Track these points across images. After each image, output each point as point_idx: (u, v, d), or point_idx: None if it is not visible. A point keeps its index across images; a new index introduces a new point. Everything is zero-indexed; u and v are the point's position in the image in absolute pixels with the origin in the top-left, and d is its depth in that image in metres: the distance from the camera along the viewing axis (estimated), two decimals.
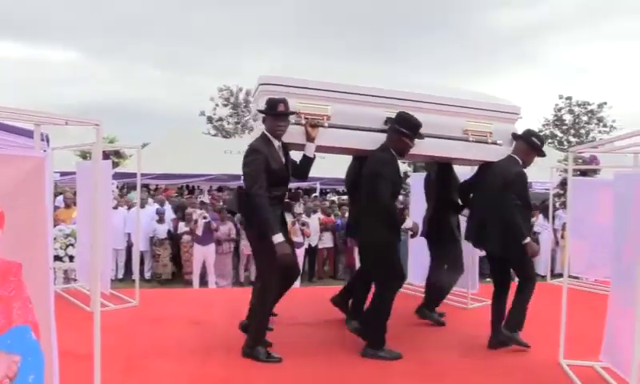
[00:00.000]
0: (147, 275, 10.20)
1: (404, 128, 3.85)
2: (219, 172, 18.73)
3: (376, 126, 4.01)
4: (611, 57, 52.39)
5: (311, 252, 10.62)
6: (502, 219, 3.93)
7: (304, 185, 20.96)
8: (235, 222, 10.16)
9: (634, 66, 51.63)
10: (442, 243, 4.88)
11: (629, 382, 2.92)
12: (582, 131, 35.24)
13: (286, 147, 3.84)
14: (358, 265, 9.93)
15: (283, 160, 3.73)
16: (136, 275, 5.87)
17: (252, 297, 4.13)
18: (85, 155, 11.05)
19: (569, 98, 35.42)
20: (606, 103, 34.75)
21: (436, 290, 4.88)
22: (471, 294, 5.46)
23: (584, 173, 9.76)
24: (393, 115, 3.94)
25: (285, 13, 52.81)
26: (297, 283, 9.60)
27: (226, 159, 19.91)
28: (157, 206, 10.76)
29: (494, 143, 4.31)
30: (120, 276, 9.90)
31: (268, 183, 3.56)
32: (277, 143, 3.71)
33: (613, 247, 3.49)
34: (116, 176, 10.67)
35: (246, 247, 10.15)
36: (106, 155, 7.97)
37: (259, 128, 3.92)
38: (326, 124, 3.86)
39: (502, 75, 51.80)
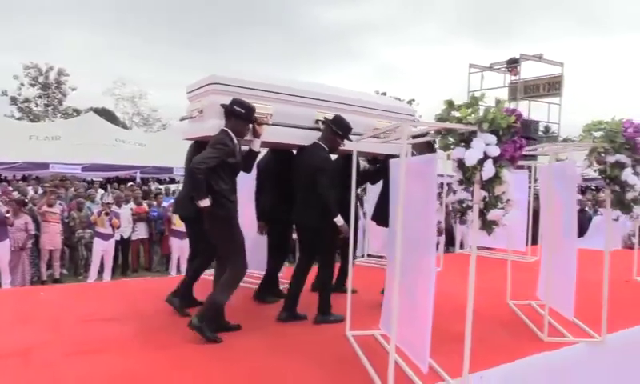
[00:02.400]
0: None
1: (339, 129, 4.39)
2: (24, 159, 16.86)
3: (308, 124, 4.51)
4: (419, 58, 58.35)
5: (124, 244, 10.10)
6: None
7: (122, 173, 19.83)
8: (35, 215, 9.22)
9: (436, 67, 58.13)
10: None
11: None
12: None
13: (240, 144, 4.12)
14: (175, 255, 9.78)
15: (239, 155, 4.06)
16: None
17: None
18: None
19: (384, 94, 38.49)
20: (414, 100, 38.92)
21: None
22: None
23: None
24: (325, 116, 4.46)
25: None
26: (107, 277, 9.21)
27: (32, 145, 17.97)
28: None
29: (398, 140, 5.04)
30: None
31: (227, 175, 3.93)
32: (236, 140, 4.00)
33: (390, 227, 3.90)
34: None
35: (47, 242, 9.29)
36: None
37: (199, 124, 4.26)
38: (270, 122, 4.29)
39: (328, 69, 54.55)
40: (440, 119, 3.13)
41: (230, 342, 3.94)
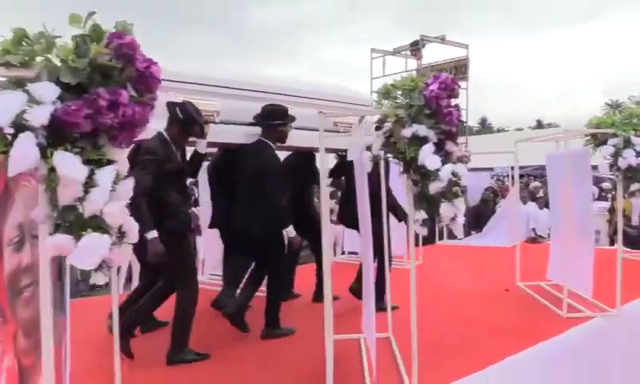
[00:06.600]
0: None
1: (279, 119, 3.95)
2: None
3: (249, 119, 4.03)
4: (353, 56, 58.07)
5: None
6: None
7: None
8: None
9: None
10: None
11: None
12: None
13: (182, 146, 3.70)
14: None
15: (179, 158, 3.60)
16: None
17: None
18: None
19: None
20: None
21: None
22: None
23: None
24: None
25: None
26: None
27: None
28: None
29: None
30: None
31: (167, 184, 3.43)
32: (174, 146, 3.53)
33: None
34: None
35: None
36: None
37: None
38: (217, 120, 3.84)
39: (271, 67, 53.60)
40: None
41: None
